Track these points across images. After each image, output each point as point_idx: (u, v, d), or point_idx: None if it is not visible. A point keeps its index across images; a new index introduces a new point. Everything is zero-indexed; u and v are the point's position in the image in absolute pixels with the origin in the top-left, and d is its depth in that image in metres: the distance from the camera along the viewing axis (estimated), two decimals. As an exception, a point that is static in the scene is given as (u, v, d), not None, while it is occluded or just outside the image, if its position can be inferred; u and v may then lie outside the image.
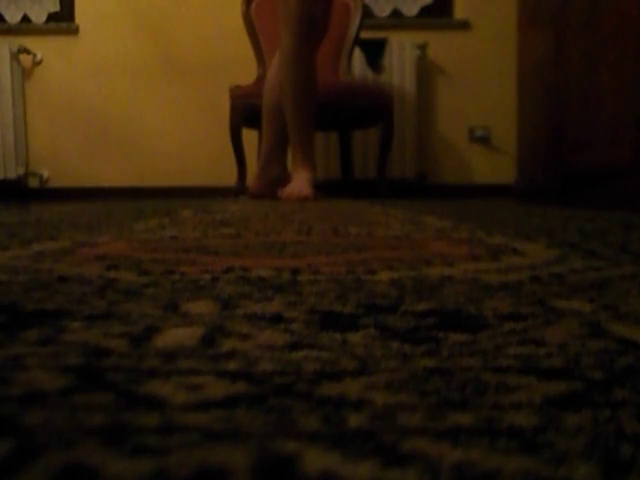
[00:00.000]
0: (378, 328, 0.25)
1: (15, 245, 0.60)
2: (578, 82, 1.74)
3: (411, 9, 2.97)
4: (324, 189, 2.79)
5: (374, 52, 2.72)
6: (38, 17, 2.98)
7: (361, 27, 2.57)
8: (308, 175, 2.06)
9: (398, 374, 0.19)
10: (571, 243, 0.59)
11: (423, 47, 2.89)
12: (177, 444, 0.14)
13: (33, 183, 2.99)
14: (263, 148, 2.17)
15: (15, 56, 2.88)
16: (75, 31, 2.96)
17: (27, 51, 2.92)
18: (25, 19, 2.99)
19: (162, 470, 0.13)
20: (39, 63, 2.96)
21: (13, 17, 2.99)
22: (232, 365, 0.20)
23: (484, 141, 2.97)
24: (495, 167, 2.95)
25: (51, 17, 2.99)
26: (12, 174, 2.86)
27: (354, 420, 0.16)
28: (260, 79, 2.56)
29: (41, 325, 0.26)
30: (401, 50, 2.81)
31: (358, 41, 2.61)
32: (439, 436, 0.15)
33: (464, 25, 2.95)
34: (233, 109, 2.40)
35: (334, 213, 1.23)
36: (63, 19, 2.98)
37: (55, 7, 2.99)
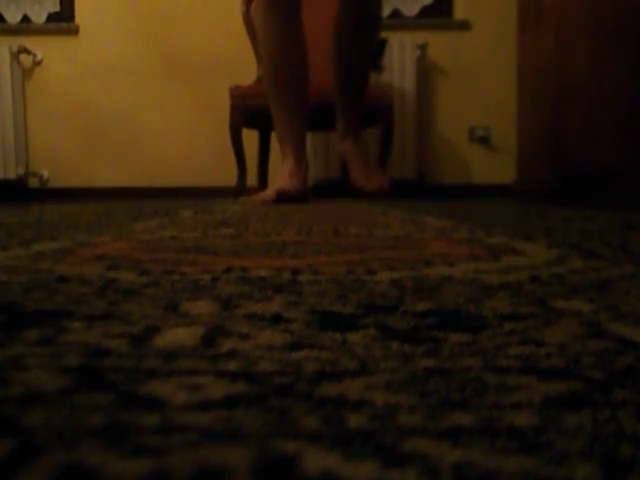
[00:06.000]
0: (378, 328, 0.25)
1: (15, 245, 0.60)
2: (578, 82, 1.74)
3: (411, 9, 2.97)
4: (324, 189, 2.80)
5: (374, 52, 2.72)
6: (38, 17, 2.98)
7: (361, 27, 2.57)
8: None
9: (398, 374, 0.19)
10: (571, 243, 0.59)
11: (423, 47, 2.89)
12: (177, 444, 0.14)
13: (33, 183, 2.99)
14: (294, 141, 1.90)
15: (15, 56, 2.88)
16: (75, 31, 2.96)
17: (27, 51, 2.92)
18: (25, 19, 2.99)
19: (162, 470, 0.13)
20: (39, 63, 2.96)
21: (13, 17, 2.99)
22: (232, 365, 0.20)
23: (484, 141, 2.97)
24: (495, 167, 2.95)
25: (51, 17, 2.99)
26: (12, 174, 2.86)
27: (354, 420, 0.16)
28: (260, 79, 2.56)
29: (41, 325, 0.26)
30: (401, 50, 2.81)
31: (358, 41, 2.61)
32: (439, 436, 0.15)
33: (464, 25, 2.95)
34: (233, 109, 2.40)
35: (334, 213, 1.23)
36: (63, 19, 2.98)
37: (55, 7, 2.99)
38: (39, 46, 2.94)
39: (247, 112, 2.36)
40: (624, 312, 0.28)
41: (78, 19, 2.97)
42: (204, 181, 2.96)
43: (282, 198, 1.77)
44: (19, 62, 2.91)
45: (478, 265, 0.44)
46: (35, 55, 2.94)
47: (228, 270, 0.42)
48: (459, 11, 2.97)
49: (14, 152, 2.86)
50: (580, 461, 0.13)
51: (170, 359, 0.21)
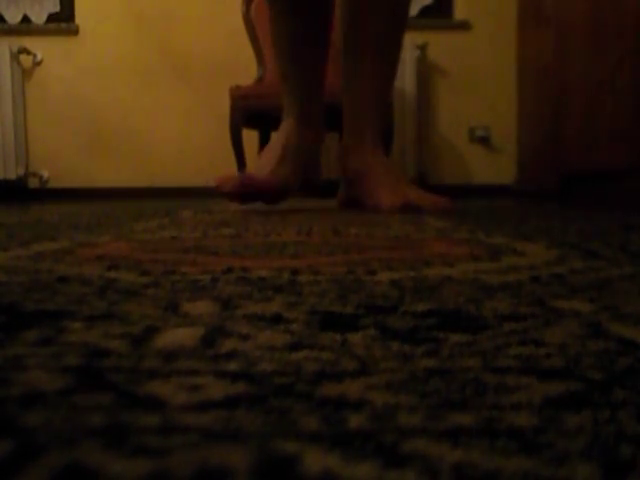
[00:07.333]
0: (378, 328, 0.25)
1: (15, 245, 0.60)
2: (578, 82, 1.74)
3: (411, 9, 2.97)
4: (324, 189, 2.79)
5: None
6: (38, 17, 2.98)
7: (361, 27, 2.57)
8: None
9: (398, 374, 0.19)
10: (571, 243, 0.59)
11: (423, 47, 2.89)
12: (177, 444, 0.14)
13: (33, 183, 2.99)
14: (303, 97, 1.47)
15: (15, 56, 2.88)
16: (75, 31, 2.96)
17: (27, 51, 2.92)
18: (25, 19, 2.99)
19: (162, 471, 0.13)
20: (39, 63, 2.96)
21: (13, 17, 2.99)
22: (232, 365, 0.20)
23: (484, 141, 2.97)
24: (495, 167, 2.95)
25: (51, 17, 2.99)
26: (12, 174, 2.86)
27: (354, 420, 0.16)
28: (260, 80, 2.56)
29: (41, 325, 0.26)
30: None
31: (358, 41, 2.61)
32: (439, 436, 0.15)
33: (464, 25, 2.95)
34: (233, 109, 2.40)
35: (334, 213, 1.23)
36: (63, 19, 2.98)
37: (55, 7, 2.99)
38: (39, 46, 2.94)
39: (247, 112, 2.36)
40: (624, 312, 0.28)
41: (78, 19, 2.97)
42: (204, 181, 2.96)
43: (245, 193, 1.28)
44: (19, 62, 2.91)
45: (478, 265, 0.44)
46: (35, 55, 2.94)
47: (228, 270, 0.42)
48: (459, 11, 2.97)
49: (14, 152, 2.85)
50: (580, 461, 0.13)
51: (170, 359, 0.21)
